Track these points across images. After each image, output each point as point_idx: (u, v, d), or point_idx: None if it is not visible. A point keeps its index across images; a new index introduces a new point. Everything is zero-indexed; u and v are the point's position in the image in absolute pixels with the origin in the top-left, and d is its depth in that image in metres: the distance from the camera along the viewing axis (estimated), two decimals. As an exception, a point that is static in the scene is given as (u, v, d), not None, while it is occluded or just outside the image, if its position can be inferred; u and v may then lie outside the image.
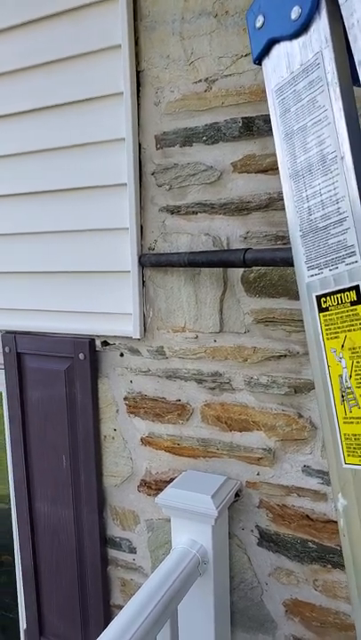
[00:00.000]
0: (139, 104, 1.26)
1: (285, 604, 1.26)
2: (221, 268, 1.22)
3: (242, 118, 1.15)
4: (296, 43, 0.54)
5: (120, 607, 1.50)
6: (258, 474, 1.24)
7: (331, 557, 1.18)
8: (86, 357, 1.40)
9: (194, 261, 1.18)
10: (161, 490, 1.24)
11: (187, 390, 1.31)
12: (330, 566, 1.18)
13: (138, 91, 1.25)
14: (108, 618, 1.53)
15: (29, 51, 1.33)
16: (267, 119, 1.11)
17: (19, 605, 1.71)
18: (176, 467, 1.36)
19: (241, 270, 1.19)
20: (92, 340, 1.41)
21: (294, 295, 1.14)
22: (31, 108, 1.37)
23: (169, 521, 1.24)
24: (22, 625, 1.71)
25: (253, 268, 1.17)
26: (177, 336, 1.30)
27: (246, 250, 1.09)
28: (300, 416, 1.17)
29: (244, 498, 1.27)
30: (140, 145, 1.27)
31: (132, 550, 1.48)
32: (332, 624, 1.20)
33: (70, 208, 1.37)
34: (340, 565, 1.17)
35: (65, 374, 1.44)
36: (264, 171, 1.14)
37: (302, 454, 1.18)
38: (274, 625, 1.28)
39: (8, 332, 1.54)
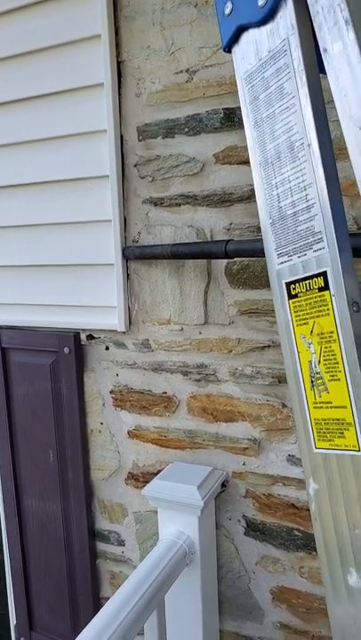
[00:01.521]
0: (120, 95, 1.25)
1: (272, 592, 1.27)
2: (205, 261, 1.22)
3: (223, 109, 1.15)
4: (264, 29, 0.54)
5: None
6: (244, 464, 1.25)
7: (316, 544, 1.19)
8: (71, 351, 1.40)
9: (177, 253, 1.18)
10: (148, 482, 1.25)
11: (173, 382, 1.32)
12: (315, 553, 1.20)
13: (119, 82, 1.24)
14: (97, 610, 1.52)
15: (7, 41, 1.32)
16: (247, 110, 1.11)
17: (8, 601, 1.72)
18: (163, 459, 1.36)
19: (225, 262, 1.20)
20: (77, 334, 1.41)
21: (277, 286, 1.15)
22: (10, 99, 1.35)
23: (157, 513, 1.25)
24: (12, 620, 1.72)
25: (237, 259, 1.17)
26: (162, 328, 1.31)
27: (228, 241, 1.09)
28: (285, 406, 1.18)
29: (230, 488, 1.28)
30: (121, 137, 1.27)
31: (121, 543, 1.49)
32: (318, 609, 1.22)
33: (52, 201, 1.36)
34: (324, 553, 1.18)
35: (50, 369, 1.44)
36: (246, 162, 1.14)
37: (287, 444, 1.19)
38: (261, 612, 1.30)
39: (-7, 327, 1.54)
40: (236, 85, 1.13)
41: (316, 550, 1.19)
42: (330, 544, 0.53)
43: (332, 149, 0.52)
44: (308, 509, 1.18)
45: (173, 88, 1.19)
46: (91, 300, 1.37)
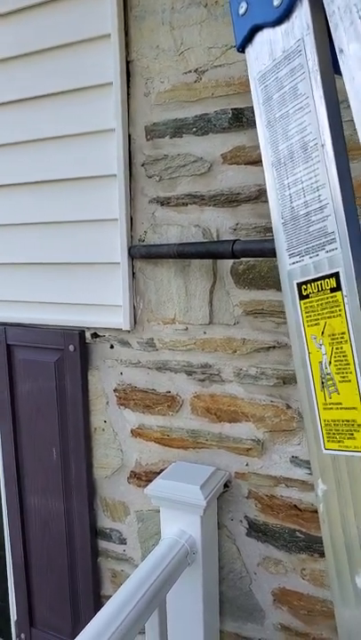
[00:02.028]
0: (128, 94, 1.25)
1: (274, 593, 1.27)
2: (211, 260, 1.22)
3: (231, 109, 1.14)
4: (279, 29, 0.54)
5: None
6: (247, 464, 1.25)
7: (318, 547, 1.19)
8: (76, 349, 1.40)
9: (183, 252, 1.18)
10: (151, 481, 1.25)
11: (177, 382, 1.32)
12: (317, 555, 1.19)
13: (128, 81, 1.25)
14: (98, 609, 1.53)
15: (18, 40, 1.32)
16: (256, 110, 1.11)
17: (9, 597, 1.72)
18: (166, 458, 1.36)
19: (230, 262, 1.20)
20: (82, 332, 1.41)
21: (283, 287, 1.15)
22: (20, 97, 1.35)
23: (159, 512, 1.25)
24: (13, 616, 1.72)
25: (243, 259, 1.17)
26: (167, 328, 1.31)
27: (235, 241, 1.09)
28: (289, 407, 1.18)
29: (233, 488, 1.28)
30: (129, 136, 1.27)
31: (123, 541, 1.49)
32: (320, 612, 1.21)
33: (60, 199, 1.36)
34: (327, 554, 1.18)
35: (55, 366, 1.44)
36: (254, 162, 1.14)
37: (291, 445, 1.19)
38: (262, 614, 1.29)
39: (-2, 324, 1.54)
40: (244, 86, 1.13)
41: (318, 553, 1.19)
42: (338, 546, 0.53)
43: (345, 150, 0.52)
44: (311, 511, 1.18)
45: (182, 88, 1.19)
46: (96, 299, 1.37)
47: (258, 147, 1.12)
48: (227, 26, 1.12)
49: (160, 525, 1.25)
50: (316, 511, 1.18)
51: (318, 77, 0.50)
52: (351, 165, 0.55)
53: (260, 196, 1.14)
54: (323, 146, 0.51)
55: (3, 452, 1.60)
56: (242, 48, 0.60)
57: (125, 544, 1.49)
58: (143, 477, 1.41)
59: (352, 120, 0.49)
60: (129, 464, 1.43)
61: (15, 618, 1.70)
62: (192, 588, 1.22)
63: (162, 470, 1.31)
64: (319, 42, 0.50)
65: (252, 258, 1.14)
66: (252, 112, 1.12)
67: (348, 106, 0.51)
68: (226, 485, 1.28)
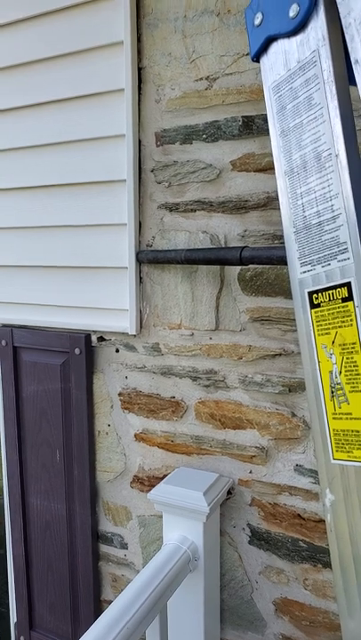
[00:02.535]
0: (140, 101, 1.26)
1: (275, 603, 1.26)
2: (218, 266, 1.22)
3: (242, 117, 1.15)
4: (294, 40, 0.54)
5: (111, 603, 1.51)
6: (250, 472, 1.25)
7: (321, 557, 1.18)
8: (82, 352, 1.41)
9: (191, 258, 1.18)
10: (154, 486, 1.25)
11: (181, 387, 1.32)
12: (320, 566, 1.19)
13: (139, 87, 1.26)
14: (98, 613, 1.54)
15: (31, 46, 1.34)
16: (266, 118, 1.11)
17: (9, 599, 1.72)
18: (169, 463, 1.36)
19: (238, 268, 1.20)
20: (88, 336, 1.42)
21: (290, 294, 1.15)
22: (32, 102, 1.37)
23: (161, 517, 1.25)
24: (13, 618, 1.71)
25: (250, 266, 1.17)
26: (173, 333, 1.31)
27: (243, 248, 1.09)
28: (294, 415, 1.18)
29: (236, 495, 1.27)
30: (140, 142, 1.28)
31: (124, 546, 1.49)
32: (322, 623, 1.20)
33: (69, 203, 1.37)
34: (330, 565, 1.17)
35: (60, 369, 1.44)
36: (263, 170, 1.14)
37: (295, 453, 1.19)
38: (263, 623, 1.28)
39: (5, 326, 1.55)
40: (255, 94, 1.14)
41: (321, 563, 1.18)
42: (345, 556, 0.53)
43: (359, 160, 0.52)
44: (315, 520, 1.18)
45: (193, 95, 1.20)
46: (103, 303, 1.37)
47: (267, 154, 1.13)
48: (239, 34, 1.13)
49: (162, 531, 1.24)
50: (320, 521, 1.17)
51: (333, 88, 0.51)
52: (364, 176, 0.55)
53: (268, 203, 1.15)
54: (336, 156, 0.51)
55: (7, 454, 1.60)
56: (256, 58, 0.61)
57: (127, 549, 1.48)
58: (146, 482, 1.41)
59: (366, 131, 0.50)
60: (132, 468, 1.43)
61: (15, 620, 1.70)
62: (193, 595, 1.21)
63: (165, 475, 1.31)
64: (335, 53, 0.51)
65: (259, 265, 1.15)
66: (263, 120, 1.13)
67: (361, 116, 0.51)
68: (229, 492, 1.27)
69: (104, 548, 1.52)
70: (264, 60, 0.59)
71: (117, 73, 1.23)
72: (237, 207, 1.18)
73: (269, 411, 1.20)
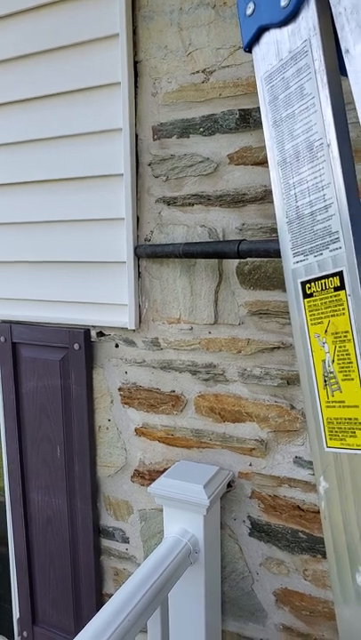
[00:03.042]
0: (136, 94, 1.26)
1: (276, 594, 1.27)
2: (217, 260, 1.22)
3: (239, 110, 1.15)
4: (285, 30, 0.54)
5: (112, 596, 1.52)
6: (250, 464, 1.25)
7: (321, 547, 1.19)
8: (81, 348, 1.41)
9: (189, 252, 1.18)
10: (154, 480, 1.25)
11: (181, 381, 1.32)
12: (320, 556, 1.19)
13: (135, 81, 1.25)
14: (100, 607, 1.54)
15: (26, 39, 1.33)
16: (263, 111, 1.11)
17: (12, 595, 1.73)
18: (170, 457, 1.37)
19: (236, 262, 1.20)
20: (87, 331, 1.42)
21: (288, 287, 1.15)
22: (28, 96, 1.37)
23: (162, 511, 1.25)
24: (15, 614, 1.73)
25: (248, 260, 1.17)
26: (172, 327, 1.31)
27: (240, 241, 1.09)
28: (293, 407, 1.18)
29: (236, 488, 1.28)
30: (136, 135, 1.28)
31: (125, 540, 1.50)
32: (321, 613, 1.21)
33: (67, 198, 1.37)
34: (329, 556, 1.18)
35: (60, 364, 1.45)
36: (260, 163, 1.14)
37: (294, 445, 1.19)
38: (264, 614, 1.29)
39: (4, 322, 1.55)
40: (252, 87, 1.14)
41: (320, 553, 1.19)
42: (339, 543, 0.53)
43: (351, 150, 0.52)
44: (314, 512, 1.18)
45: (189, 88, 1.20)
46: (102, 298, 1.38)
47: (264, 147, 1.13)
48: (235, 27, 1.12)
49: (163, 524, 1.25)
50: (319, 512, 1.18)
51: (325, 78, 0.51)
52: (356, 167, 0.55)
53: (266, 196, 1.14)
54: (328, 145, 0.51)
55: (7, 450, 1.61)
56: (249, 48, 0.61)
57: (128, 543, 1.49)
58: (147, 476, 1.42)
59: (358, 122, 0.50)
60: (133, 463, 1.44)
61: (18, 615, 1.71)
62: (194, 587, 1.22)
63: (165, 469, 1.31)
64: (326, 43, 0.51)
65: (257, 258, 1.15)
66: (260, 113, 1.12)
67: (354, 108, 0.51)
68: (229, 485, 1.28)
69: (105, 543, 1.53)
70: (256, 50, 0.59)
71: (113, 66, 1.23)
72: (235, 201, 1.18)
73: (268, 403, 1.21)
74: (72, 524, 1.53)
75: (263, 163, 1.14)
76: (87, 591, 1.54)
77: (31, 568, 1.64)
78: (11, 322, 1.54)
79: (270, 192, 1.14)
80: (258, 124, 1.13)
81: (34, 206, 1.43)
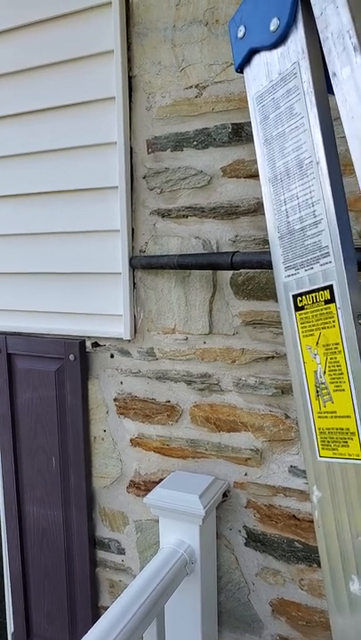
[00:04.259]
0: (130, 109, 1.28)
1: (272, 604, 1.27)
2: (211, 271, 1.24)
3: (231, 124, 1.17)
4: (275, 53, 0.56)
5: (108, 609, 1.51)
6: (245, 474, 1.26)
7: (316, 557, 1.19)
8: (77, 358, 1.42)
9: (183, 263, 1.20)
10: (150, 490, 1.25)
11: (176, 391, 1.33)
12: (316, 566, 1.20)
13: (130, 96, 1.28)
14: (95, 619, 1.52)
15: (23, 54, 1.35)
16: (255, 125, 1.14)
17: (6, 608, 1.71)
18: (165, 467, 1.37)
19: (230, 273, 1.21)
20: (82, 342, 1.43)
21: (281, 298, 1.16)
22: (23, 110, 1.39)
23: (157, 521, 1.25)
24: (10, 628, 1.71)
25: (242, 271, 1.19)
26: (167, 337, 1.32)
27: (234, 253, 1.11)
28: (287, 417, 1.19)
29: (231, 498, 1.28)
30: (131, 149, 1.30)
31: (121, 551, 1.49)
32: (318, 623, 1.21)
33: (62, 210, 1.39)
34: (325, 565, 1.18)
35: (55, 375, 1.45)
36: (253, 176, 1.16)
37: (289, 455, 1.20)
38: (260, 625, 1.29)
39: None
40: (244, 101, 1.16)
41: (316, 563, 1.19)
42: (332, 551, 0.54)
43: (339, 167, 0.54)
44: (310, 521, 1.19)
45: (183, 103, 1.22)
46: (97, 308, 1.39)
47: (256, 161, 1.15)
48: (227, 44, 1.15)
49: (159, 535, 1.25)
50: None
51: (313, 99, 0.53)
52: (344, 180, 0.57)
53: (258, 208, 1.16)
54: (317, 163, 0.53)
55: (2, 461, 1.61)
56: (240, 69, 0.63)
57: (124, 554, 1.49)
58: (142, 487, 1.42)
59: (344, 137, 0.51)
60: (128, 473, 1.44)
61: (12, 629, 1.69)
62: (191, 598, 1.22)
63: (161, 480, 1.32)
64: (314, 65, 0.53)
65: (250, 269, 1.16)
66: (251, 127, 1.15)
67: (340, 122, 0.53)
68: (225, 495, 1.28)
69: (101, 554, 1.53)
70: (247, 71, 0.61)
71: (108, 81, 1.25)
72: (228, 213, 1.20)
73: (263, 413, 1.22)
74: (67, 535, 1.52)
75: (256, 175, 1.16)
76: (82, 604, 1.53)
77: (26, 581, 1.62)
78: (6, 333, 1.54)
79: (263, 204, 1.15)
80: (250, 138, 1.15)
81: (30, 218, 1.44)
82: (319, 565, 1.19)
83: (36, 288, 1.47)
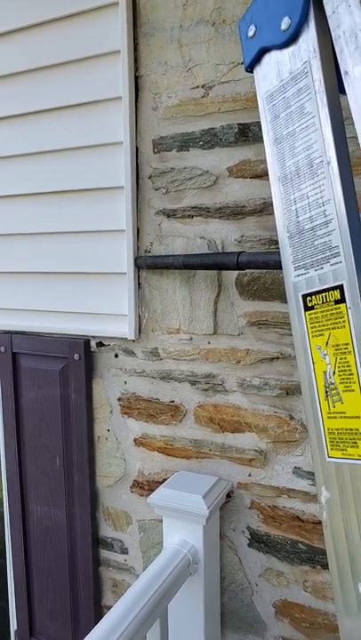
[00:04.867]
0: (137, 108, 1.28)
1: (275, 605, 1.27)
2: (216, 271, 1.23)
3: (238, 124, 1.17)
4: (286, 52, 0.56)
5: (111, 608, 1.51)
6: (249, 475, 1.25)
7: (320, 558, 1.19)
8: (81, 358, 1.42)
9: (189, 264, 1.19)
10: (153, 490, 1.25)
11: (180, 391, 1.33)
12: (319, 567, 1.19)
13: (136, 95, 1.28)
14: (98, 618, 1.52)
15: (29, 54, 1.36)
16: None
17: (9, 606, 1.71)
18: (169, 467, 1.37)
19: (235, 273, 1.21)
20: (87, 341, 1.43)
21: (287, 298, 1.16)
22: (31, 110, 1.39)
23: (161, 521, 1.25)
24: (13, 626, 1.71)
25: (247, 271, 1.19)
26: (171, 337, 1.32)
27: (240, 253, 1.11)
28: (292, 418, 1.19)
29: (235, 499, 1.28)
30: (137, 149, 1.30)
31: (124, 551, 1.49)
32: (321, 625, 1.21)
33: (68, 210, 1.39)
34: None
35: (60, 374, 1.45)
36: (259, 176, 1.16)
37: (293, 456, 1.20)
38: (263, 626, 1.29)
39: (4, 332, 1.56)
40: (251, 102, 1.16)
41: (320, 564, 1.19)
42: (341, 553, 0.54)
43: (350, 167, 0.54)
44: (314, 522, 1.18)
45: (189, 103, 1.22)
46: (102, 308, 1.39)
47: (263, 161, 1.15)
48: (234, 44, 1.15)
49: (162, 535, 1.25)
50: (318, 522, 1.18)
51: (324, 98, 0.52)
52: (355, 180, 0.56)
53: (264, 209, 1.16)
54: (328, 163, 0.52)
55: (6, 460, 1.61)
56: (250, 68, 0.62)
57: (127, 554, 1.49)
58: (146, 487, 1.41)
59: (356, 137, 0.51)
60: (132, 473, 1.44)
61: (15, 627, 1.69)
62: (194, 599, 1.22)
63: (164, 480, 1.32)
64: (325, 64, 0.53)
65: (256, 270, 1.16)
66: (258, 127, 1.15)
67: (352, 123, 0.53)
68: (228, 495, 1.28)
69: (104, 554, 1.53)
70: (258, 70, 0.61)
71: (114, 81, 1.25)
72: (234, 213, 1.20)
73: (268, 414, 1.21)
74: (71, 534, 1.52)
75: (262, 176, 1.16)
76: (85, 603, 1.53)
77: (29, 579, 1.63)
78: (11, 332, 1.54)
79: (269, 205, 1.16)
80: (256, 138, 1.15)
81: (35, 218, 1.44)
82: (323, 567, 1.19)
83: (41, 287, 1.47)
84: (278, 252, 1.10)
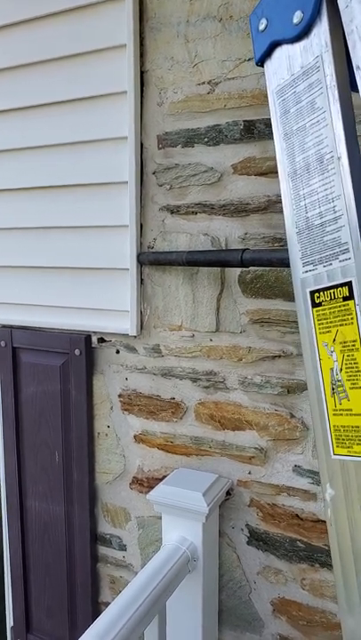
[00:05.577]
0: (142, 104, 1.27)
1: (273, 603, 1.27)
2: (219, 269, 1.23)
3: (243, 121, 1.17)
4: (297, 46, 0.56)
5: (109, 605, 1.51)
6: (249, 473, 1.25)
7: (319, 557, 1.19)
8: (82, 353, 1.41)
9: (192, 260, 1.19)
10: (153, 487, 1.25)
11: (181, 388, 1.32)
12: (318, 565, 1.19)
13: (141, 90, 1.27)
14: (96, 615, 1.53)
15: (36, 47, 1.35)
16: (267, 123, 1.13)
17: (6, 602, 1.71)
18: (168, 464, 1.37)
19: (238, 271, 1.21)
20: (88, 337, 1.42)
21: (290, 297, 1.16)
22: (36, 103, 1.38)
23: (160, 518, 1.25)
24: (9, 622, 1.71)
25: (250, 268, 1.18)
26: (173, 334, 1.32)
27: (244, 250, 1.10)
28: (293, 416, 1.19)
29: (235, 496, 1.28)
30: (142, 144, 1.29)
31: (123, 547, 1.49)
32: (319, 623, 1.21)
33: (71, 204, 1.38)
34: (327, 565, 1.18)
35: (60, 370, 1.45)
36: (264, 173, 1.16)
37: (293, 454, 1.19)
38: (261, 623, 1.29)
39: (4, 327, 1.55)
40: (257, 98, 1.16)
41: (319, 563, 1.19)
42: (344, 550, 0.53)
43: (360, 163, 0.53)
44: (313, 521, 1.18)
45: (195, 99, 1.22)
46: (104, 304, 1.38)
47: (268, 158, 1.15)
48: (240, 40, 1.14)
49: (161, 532, 1.25)
50: (317, 521, 1.18)
51: (336, 93, 0.52)
52: (365, 178, 0.56)
53: (269, 206, 1.16)
54: (339, 159, 0.52)
55: (5, 455, 1.60)
56: (261, 62, 0.62)
57: (125, 550, 1.49)
58: (145, 483, 1.41)
59: (367, 134, 0.51)
60: (131, 470, 1.43)
61: (11, 624, 1.69)
62: (192, 596, 1.22)
63: (164, 477, 1.31)
64: (337, 59, 0.52)
65: (260, 267, 1.16)
66: (264, 124, 1.14)
67: (363, 121, 0.53)
68: (228, 493, 1.28)
69: (102, 550, 1.52)
70: (268, 64, 0.61)
71: (120, 76, 1.25)
72: (238, 210, 1.19)
73: (268, 412, 1.21)
74: (69, 531, 1.52)
75: (267, 173, 1.15)
76: (83, 599, 1.53)
77: (26, 575, 1.62)
78: (11, 326, 1.54)
79: (273, 202, 1.15)
80: (262, 135, 1.14)
81: (37, 212, 1.44)
82: (321, 565, 1.19)
83: (43, 282, 1.47)
84: (282, 249, 1.10)
